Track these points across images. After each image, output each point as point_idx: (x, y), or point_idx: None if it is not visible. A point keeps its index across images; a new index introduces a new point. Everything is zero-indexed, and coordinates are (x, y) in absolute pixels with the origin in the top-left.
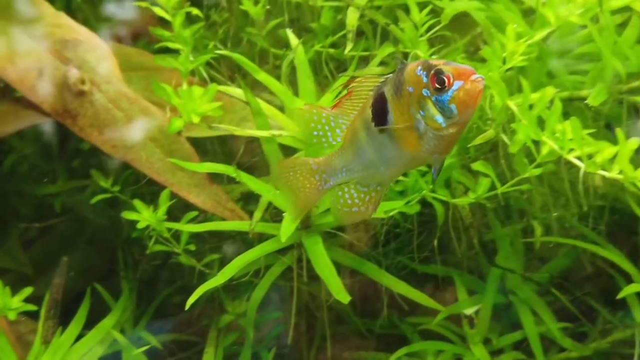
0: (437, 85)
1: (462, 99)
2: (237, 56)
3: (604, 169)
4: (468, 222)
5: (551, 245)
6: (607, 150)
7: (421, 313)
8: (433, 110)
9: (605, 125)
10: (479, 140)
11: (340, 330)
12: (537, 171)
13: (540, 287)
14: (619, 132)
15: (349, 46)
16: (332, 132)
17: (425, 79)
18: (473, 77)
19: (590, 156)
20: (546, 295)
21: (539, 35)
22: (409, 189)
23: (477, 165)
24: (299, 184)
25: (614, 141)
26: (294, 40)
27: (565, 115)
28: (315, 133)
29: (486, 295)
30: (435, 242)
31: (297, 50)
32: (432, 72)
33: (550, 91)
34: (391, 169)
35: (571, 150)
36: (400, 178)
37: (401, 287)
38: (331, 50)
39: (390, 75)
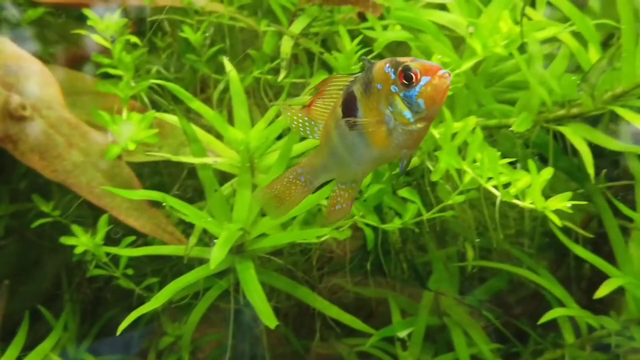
0: (405, 81)
1: (429, 94)
2: (171, 85)
3: (518, 199)
4: (397, 247)
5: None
6: (521, 180)
7: (358, 334)
8: (401, 105)
9: (534, 153)
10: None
11: (280, 351)
12: (460, 198)
13: (475, 309)
14: (531, 163)
15: (282, 74)
16: (311, 130)
17: (393, 76)
18: (440, 72)
19: (506, 185)
20: (482, 316)
21: (467, 64)
22: None
23: (403, 192)
24: (286, 190)
25: (542, 167)
26: (229, 68)
27: (493, 143)
28: (302, 130)
29: (419, 317)
30: (368, 266)
31: (232, 79)
32: (400, 68)
33: (471, 121)
34: (363, 165)
35: (490, 179)
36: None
37: (333, 311)
38: (269, 77)
39: (359, 74)
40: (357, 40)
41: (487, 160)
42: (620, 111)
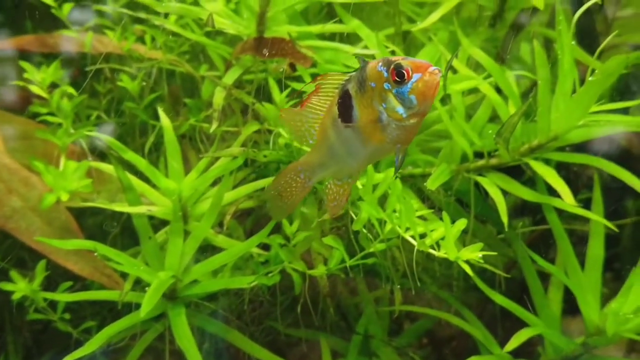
0: (397, 79)
1: (420, 90)
2: (104, 137)
3: (433, 248)
4: (325, 291)
5: None
6: (437, 231)
7: None
8: (394, 102)
9: (456, 200)
10: (327, 215)
11: None
12: (382, 246)
13: (403, 350)
14: (445, 215)
15: (215, 125)
16: (308, 132)
17: (385, 74)
18: (430, 69)
19: (422, 235)
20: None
21: None
22: (271, 260)
23: (327, 240)
24: (287, 187)
25: (463, 214)
26: (163, 117)
27: (419, 191)
28: (299, 133)
29: (348, 358)
30: (299, 309)
31: (165, 128)
32: (392, 66)
33: (392, 172)
34: (358, 161)
35: (407, 229)
36: (259, 251)
37: (264, 354)
38: (205, 125)
39: (354, 73)
40: (286, 92)
41: (405, 212)
42: (534, 164)
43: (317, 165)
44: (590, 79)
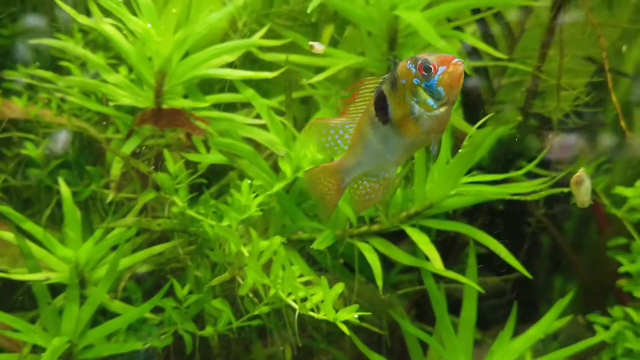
0: (425, 73)
1: (447, 81)
2: (3, 208)
3: (313, 311)
4: (216, 352)
5: None
6: (317, 295)
7: None
8: (424, 95)
9: (343, 263)
10: (215, 281)
11: None
12: (266, 309)
13: None
14: (324, 279)
15: (111, 195)
16: (341, 139)
17: (414, 70)
18: (454, 61)
19: (303, 300)
20: None
21: (278, 186)
22: (165, 321)
23: (216, 303)
24: (324, 189)
25: (349, 275)
26: (63, 187)
27: (307, 256)
28: (327, 145)
29: None
30: None
31: (64, 197)
32: (419, 63)
33: (277, 240)
34: (396, 155)
35: (290, 294)
36: (150, 315)
37: None
38: (105, 191)
39: (386, 75)
40: (180, 163)
41: (287, 278)
42: (410, 231)
43: (354, 165)
44: (460, 151)
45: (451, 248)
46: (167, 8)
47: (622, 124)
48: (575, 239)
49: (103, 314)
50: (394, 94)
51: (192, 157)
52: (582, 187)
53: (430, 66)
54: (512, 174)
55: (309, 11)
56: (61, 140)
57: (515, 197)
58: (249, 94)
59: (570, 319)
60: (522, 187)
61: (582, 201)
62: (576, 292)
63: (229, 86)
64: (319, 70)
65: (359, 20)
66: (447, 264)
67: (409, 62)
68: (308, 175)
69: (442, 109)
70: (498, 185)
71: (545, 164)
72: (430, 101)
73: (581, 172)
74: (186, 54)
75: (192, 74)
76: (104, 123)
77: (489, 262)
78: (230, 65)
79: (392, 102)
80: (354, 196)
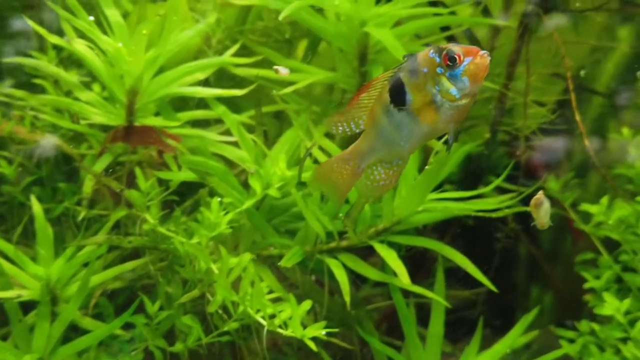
0: (450, 63)
1: (472, 71)
2: None
3: (281, 328)
4: None
5: None
6: (285, 312)
7: None
8: (448, 84)
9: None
10: (184, 298)
11: None
12: (236, 325)
13: None
14: (291, 296)
15: (83, 212)
16: (354, 123)
17: (438, 60)
18: (480, 53)
19: (272, 316)
20: None
21: (248, 203)
22: (136, 337)
23: (186, 319)
24: (339, 176)
25: (319, 290)
26: (35, 204)
27: (278, 271)
28: (340, 129)
29: None
30: None
31: (36, 214)
32: (444, 52)
33: (246, 257)
34: (411, 142)
35: (258, 311)
36: (121, 332)
37: None
38: (78, 208)
39: (402, 65)
40: (152, 180)
41: (255, 295)
42: (378, 247)
43: (368, 151)
44: (426, 167)
45: (421, 263)
46: (138, 28)
47: (586, 142)
48: (551, 248)
49: (74, 331)
50: (414, 82)
51: (162, 174)
52: (541, 209)
53: (456, 56)
54: (478, 191)
55: (280, 18)
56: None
57: (480, 214)
58: (220, 110)
59: (537, 334)
60: (487, 203)
61: (541, 223)
62: (551, 302)
63: (202, 102)
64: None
65: (329, 37)
66: (418, 279)
67: (431, 51)
68: (322, 167)
69: (465, 100)
70: (464, 202)
71: (513, 180)
72: (454, 90)
73: (540, 195)
74: (160, 71)
75: (164, 92)
76: (78, 140)
77: (465, 275)
78: (206, 81)
79: (411, 90)
80: (365, 182)
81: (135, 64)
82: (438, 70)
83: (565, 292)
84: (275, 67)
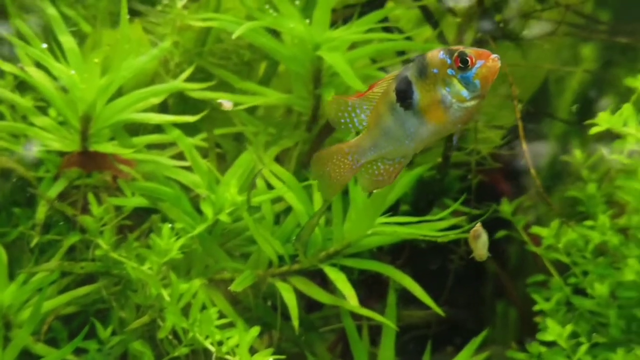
0: (461, 65)
1: (484, 74)
2: None
3: (229, 355)
4: None
5: None
6: (233, 339)
7: None
8: (459, 86)
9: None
10: (135, 324)
11: None
12: (186, 350)
13: None
14: (240, 323)
15: (35, 239)
16: (357, 118)
17: (449, 61)
18: (492, 56)
19: (220, 343)
20: None
21: (200, 228)
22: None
23: (137, 344)
24: (336, 168)
25: (272, 314)
26: None
27: (232, 295)
28: (342, 121)
29: None
30: None
31: None
32: (456, 54)
33: (196, 283)
34: (416, 141)
35: (207, 337)
36: (72, 358)
37: None
38: (32, 233)
39: (410, 64)
40: (105, 205)
41: (204, 321)
42: (328, 270)
43: (370, 147)
44: (375, 191)
45: (374, 286)
46: (90, 56)
47: (532, 172)
48: (517, 263)
49: (28, 356)
50: (423, 82)
51: (115, 200)
52: (479, 242)
53: (467, 59)
54: (426, 217)
55: (233, 37)
56: None
57: (427, 238)
58: (175, 134)
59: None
60: (434, 226)
61: (479, 255)
62: (515, 318)
63: (159, 126)
64: (250, 108)
65: (285, 60)
66: (372, 301)
67: (441, 52)
68: (321, 153)
69: (474, 102)
70: (412, 226)
71: (466, 202)
72: (465, 92)
73: (478, 227)
74: (116, 96)
75: (117, 118)
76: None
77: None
78: (165, 103)
79: (419, 89)
80: (365, 175)
81: (88, 91)
82: (449, 71)
83: (527, 309)
84: (219, 100)
